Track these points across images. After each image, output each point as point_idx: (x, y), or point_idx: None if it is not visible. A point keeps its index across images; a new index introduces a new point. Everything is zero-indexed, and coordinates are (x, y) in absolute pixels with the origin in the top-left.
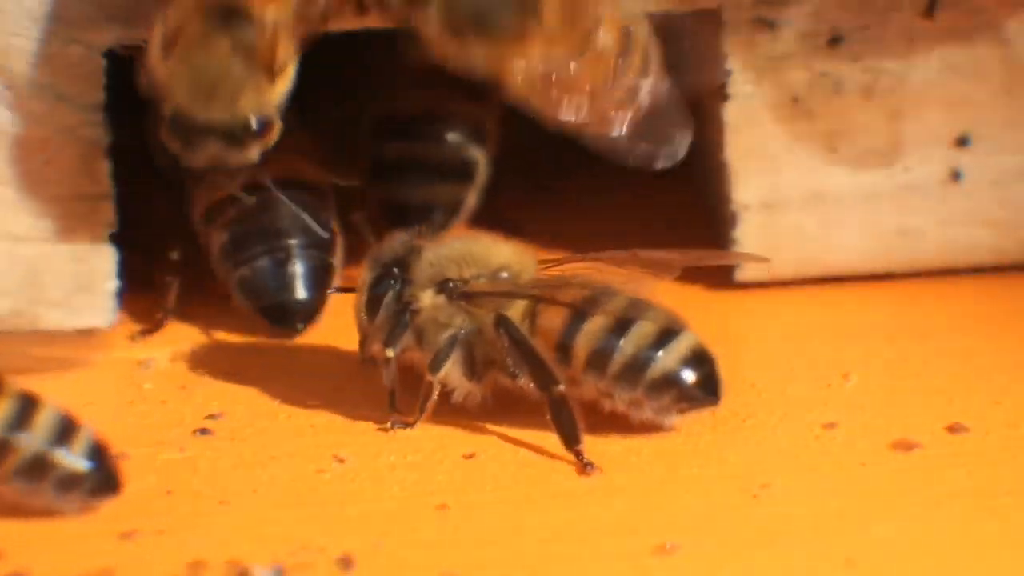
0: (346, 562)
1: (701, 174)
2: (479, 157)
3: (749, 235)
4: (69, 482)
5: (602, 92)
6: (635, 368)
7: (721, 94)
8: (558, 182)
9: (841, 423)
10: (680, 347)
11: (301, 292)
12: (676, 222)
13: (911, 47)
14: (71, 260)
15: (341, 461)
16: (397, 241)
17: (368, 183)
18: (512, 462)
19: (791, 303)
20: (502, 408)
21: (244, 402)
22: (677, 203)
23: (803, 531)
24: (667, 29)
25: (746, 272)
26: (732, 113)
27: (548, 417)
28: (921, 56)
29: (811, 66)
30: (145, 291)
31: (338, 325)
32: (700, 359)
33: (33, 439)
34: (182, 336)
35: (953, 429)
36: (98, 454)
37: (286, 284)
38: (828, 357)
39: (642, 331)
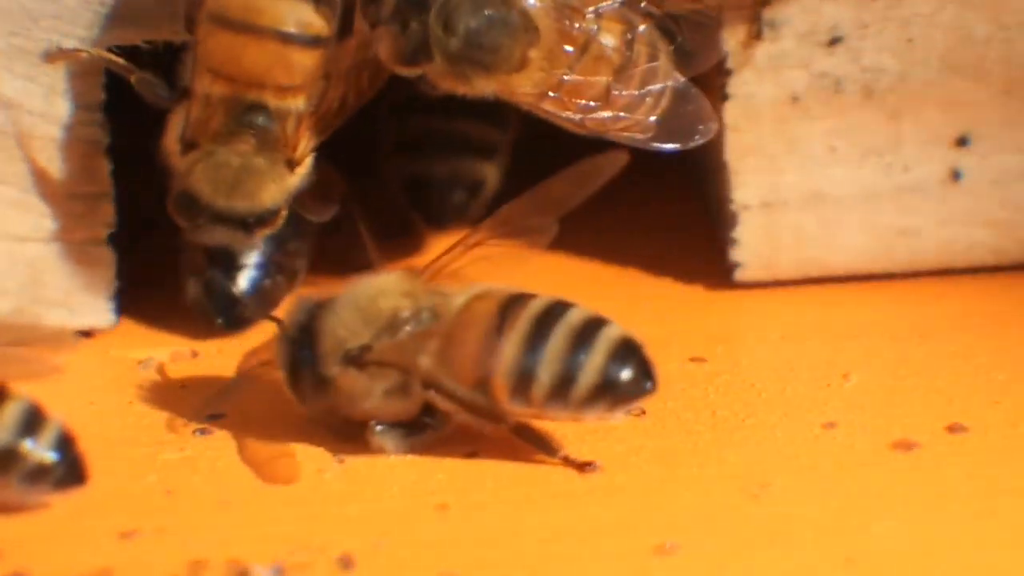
0: (346, 562)
1: (701, 174)
2: (501, 135)
3: (749, 235)
4: (36, 474)
5: (613, 91)
6: (562, 387)
7: (721, 94)
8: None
9: (841, 423)
10: (602, 346)
11: (243, 286)
12: (676, 222)
13: (911, 47)
14: (71, 260)
15: (341, 461)
16: (298, 311)
17: (390, 160)
18: (512, 462)
19: (791, 303)
20: None
21: (244, 402)
22: (677, 203)
23: (803, 531)
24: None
25: (746, 272)
26: (732, 113)
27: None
28: (921, 56)
29: (811, 66)
30: (145, 291)
31: None
32: (626, 350)
33: (2, 430)
34: (182, 336)
35: (953, 429)
36: (65, 445)
37: (231, 273)
38: (828, 357)
39: (556, 345)
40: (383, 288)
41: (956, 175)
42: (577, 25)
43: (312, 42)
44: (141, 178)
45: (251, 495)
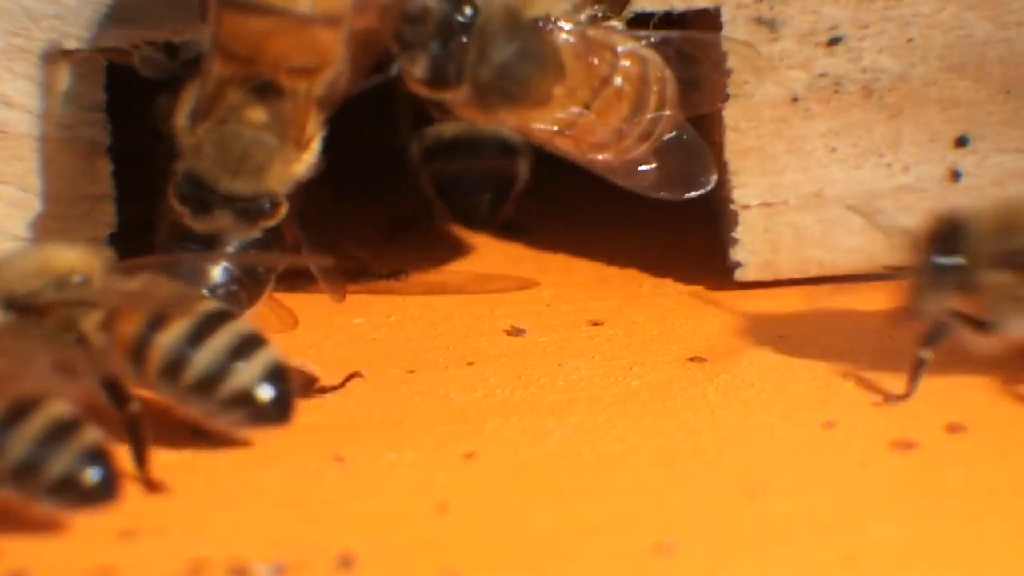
0: (346, 561)
1: None
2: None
3: (749, 235)
4: (61, 488)
5: (623, 131)
6: (209, 382)
7: (721, 94)
8: (556, 181)
9: (841, 423)
10: (257, 363)
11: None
12: (676, 222)
13: (911, 47)
14: None
15: (341, 461)
16: None
17: (420, 161)
18: (512, 462)
19: (791, 303)
20: (502, 408)
21: None
22: (677, 203)
23: (803, 531)
24: (674, 50)
25: (746, 272)
26: (732, 113)
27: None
28: (921, 56)
29: (811, 66)
30: None
31: (338, 325)
32: (277, 376)
33: (23, 441)
34: None
35: (952, 429)
36: (95, 459)
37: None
38: (828, 357)
39: (219, 342)
40: (63, 251)
41: (956, 175)
42: (599, 63)
43: (331, 21)
44: (141, 178)
45: (251, 495)
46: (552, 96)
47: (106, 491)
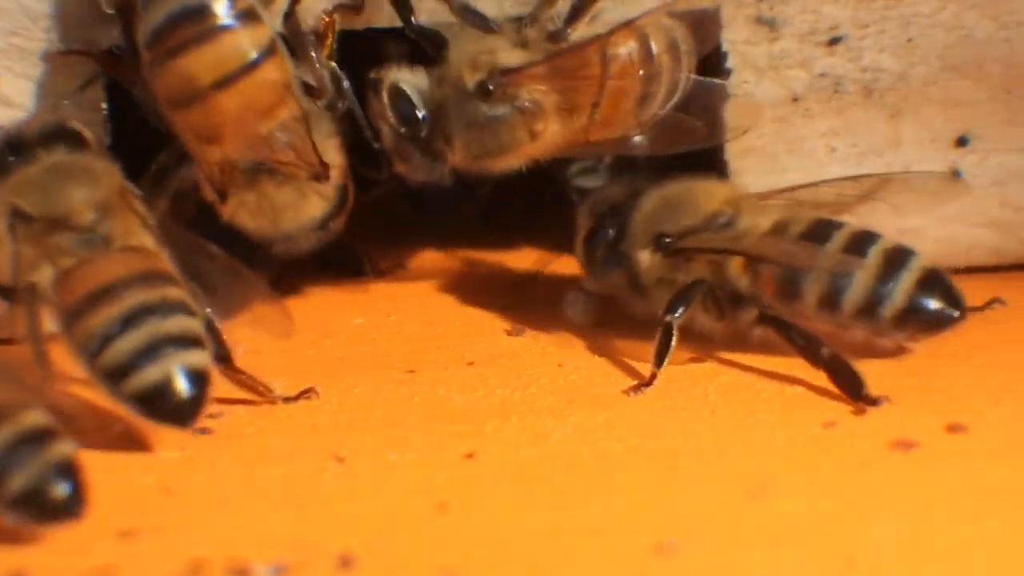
0: (346, 561)
1: (701, 174)
2: None
3: None
4: (22, 501)
5: (641, 115)
6: (118, 376)
7: None
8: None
9: (840, 422)
10: (175, 360)
11: None
12: None
13: (911, 47)
14: None
15: (341, 461)
16: None
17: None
18: (512, 462)
19: None
20: (502, 408)
21: (244, 402)
22: None
23: (803, 531)
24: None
25: None
26: (732, 113)
27: None
28: (921, 56)
29: (811, 66)
30: None
31: (338, 325)
32: (189, 380)
33: None
34: None
35: (952, 428)
36: (61, 473)
37: None
38: None
39: (136, 339)
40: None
41: (956, 175)
42: (584, 70)
43: (264, 56)
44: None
45: (251, 495)
46: (537, 133)
47: (73, 507)
